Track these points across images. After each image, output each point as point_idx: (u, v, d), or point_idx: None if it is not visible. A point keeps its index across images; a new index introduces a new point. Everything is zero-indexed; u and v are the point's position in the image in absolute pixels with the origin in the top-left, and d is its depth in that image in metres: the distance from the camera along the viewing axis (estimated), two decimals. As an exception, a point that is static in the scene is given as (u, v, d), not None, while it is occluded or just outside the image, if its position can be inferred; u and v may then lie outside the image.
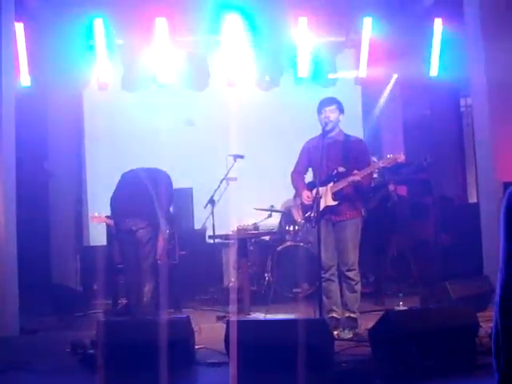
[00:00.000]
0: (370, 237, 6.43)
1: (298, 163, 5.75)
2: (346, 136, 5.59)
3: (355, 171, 5.28)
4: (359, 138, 5.79)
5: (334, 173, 5.41)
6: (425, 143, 9.03)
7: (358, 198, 5.53)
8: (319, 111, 5.52)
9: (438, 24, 8.24)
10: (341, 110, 5.54)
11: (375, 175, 6.41)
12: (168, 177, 6.31)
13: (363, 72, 8.52)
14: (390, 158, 5.30)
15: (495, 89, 6.64)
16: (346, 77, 8.73)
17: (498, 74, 6.61)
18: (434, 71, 8.36)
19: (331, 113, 5.47)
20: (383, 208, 7.20)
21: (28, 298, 6.35)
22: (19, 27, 7.47)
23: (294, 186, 5.77)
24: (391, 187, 7.34)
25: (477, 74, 6.85)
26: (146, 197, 5.92)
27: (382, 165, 5.33)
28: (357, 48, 8.46)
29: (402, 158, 5.28)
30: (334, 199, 5.39)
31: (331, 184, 5.41)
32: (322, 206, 5.35)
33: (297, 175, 5.72)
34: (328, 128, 5.41)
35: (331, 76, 8.58)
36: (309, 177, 5.80)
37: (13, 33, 6.65)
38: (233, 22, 8.00)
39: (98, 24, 7.84)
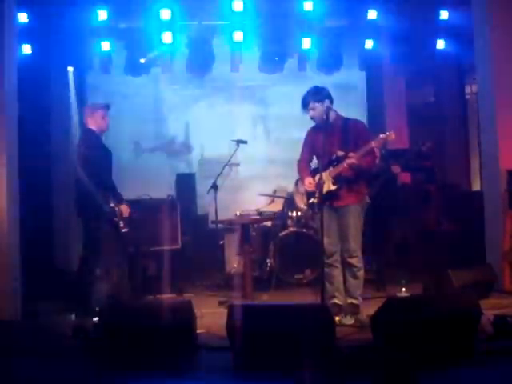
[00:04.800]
0: (373, 223, 6.42)
1: (302, 152, 5.77)
2: (345, 120, 5.55)
3: (351, 154, 5.26)
4: (358, 120, 5.72)
5: (333, 157, 5.40)
6: (429, 130, 9.01)
7: (360, 182, 5.49)
8: (303, 112, 5.54)
9: (444, 14, 8.21)
10: (320, 100, 5.43)
11: (377, 161, 6.33)
12: (82, 139, 5.77)
13: (368, 58, 8.49)
14: (382, 137, 5.24)
15: (501, 76, 6.59)
16: (350, 62, 8.70)
17: (504, 61, 6.57)
18: (438, 58, 8.32)
19: (313, 110, 5.46)
20: (386, 194, 7.16)
21: (31, 283, 6.36)
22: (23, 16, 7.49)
23: (299, 174, 5.80)
24: (395, 169, 7.27)
25: (483, 61, 6.81)
26: (83, 192, 5.59)
27: (374, 145, 5.27)
28: (362, 33, 8.41)
29: (392, 136, 5.21)
30: (334, 184, 5.38)
31: (331, 169, 5.40)
32: (324, 191, 5.33)
33: (302, 163, 5.73)
34: (317, 123, 5.46)
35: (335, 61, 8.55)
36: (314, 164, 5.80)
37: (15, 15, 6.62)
38: (237, 7, 7.96)
39: (102, 13, 7.85)
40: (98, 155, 5.60)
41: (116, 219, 5.62)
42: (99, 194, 5.45)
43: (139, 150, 9.20)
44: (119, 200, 5.82)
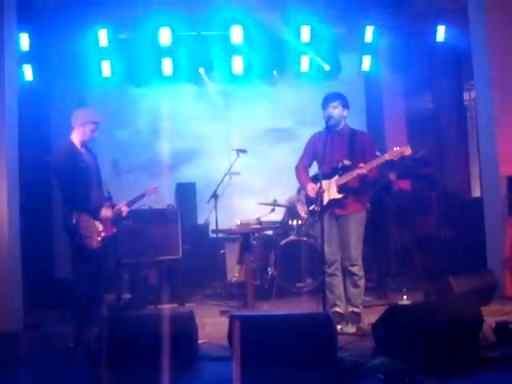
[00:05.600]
0: (373, 231, 6.42)
1: (302, 157, 5.72)
2: (352, 130, 5.56)
3: (361, 164, 5.25)
4: (365, 132, 5.75)
5: (339, 166, 5.38)
6: (428, 137, 9.02)
7: (363, 192, 5.50)
8: (323, 107, 5.51)
9: (441, 30, 8.31)
10: (344, 106, 5.50)
11: None
12: (58, 151, 5.38)
13: (366, 66, 8.54)
14: (397, 151, 5.24)
15: (499, 82, 6.61)
16: (349, 70, 8.74)
17: (502, 68, 6.59)
18: (437, 64, 8.37)
19: (334, 109, 5.44)
20: (382, 201, 7.15)
21: (31, 293, 6.36)
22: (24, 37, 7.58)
23: (298, 180, 5.72)
24: (391, 176, 7.27)
25: (481, 67, 6.83)
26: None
27: (388, 158, 5.26)
28: (360, 42, 8.46)
29: (408, 151, 5.21)
30: (340, 192, 5.37)
31: (336, 177, 5.38)
32: (326, 199, 5.31)
33: (301, 169, 5.68)
34: (331, 123, 5.38)
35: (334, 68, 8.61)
36: (313, 171, 5.76)
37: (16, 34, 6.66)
38: (236, 17, 8.01)
39: (103, 33, 8.00)
40: (69, 170, 5.21)
41: (77, 238, 5.14)
42: (65, 209, 5.20)
43: (136, 163, 9.21)
44: (94, 215, 5.30)
